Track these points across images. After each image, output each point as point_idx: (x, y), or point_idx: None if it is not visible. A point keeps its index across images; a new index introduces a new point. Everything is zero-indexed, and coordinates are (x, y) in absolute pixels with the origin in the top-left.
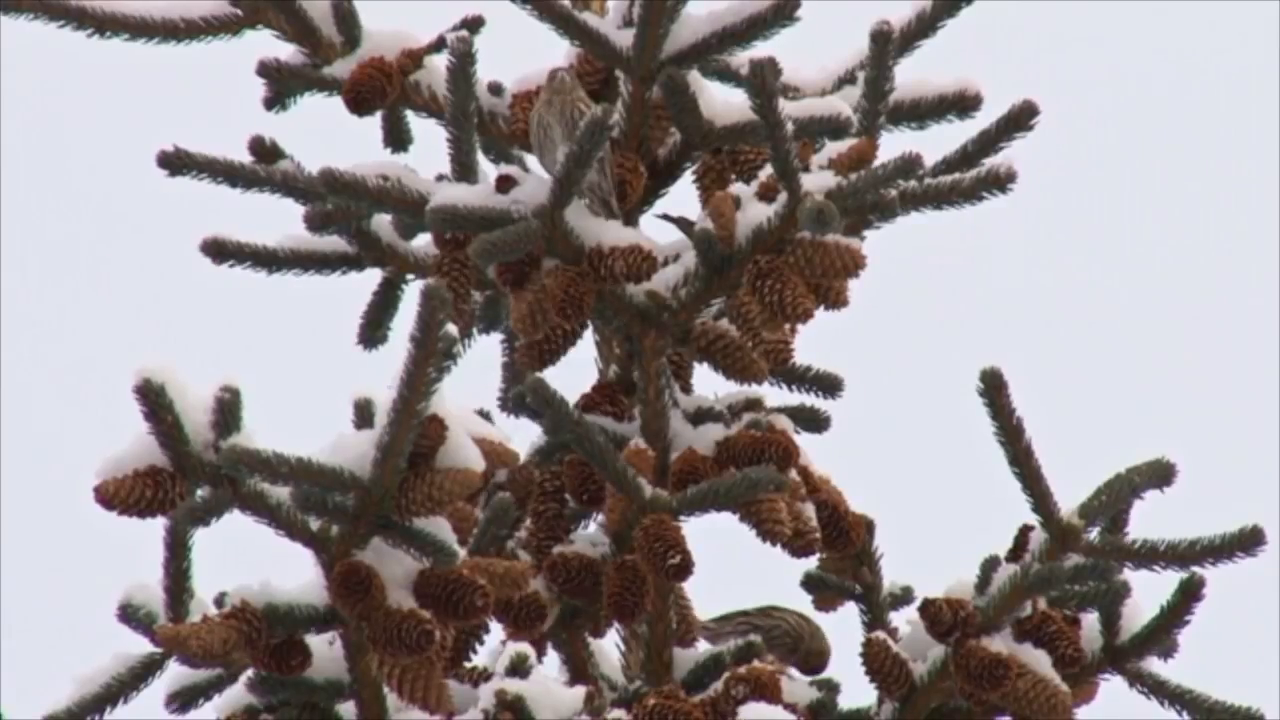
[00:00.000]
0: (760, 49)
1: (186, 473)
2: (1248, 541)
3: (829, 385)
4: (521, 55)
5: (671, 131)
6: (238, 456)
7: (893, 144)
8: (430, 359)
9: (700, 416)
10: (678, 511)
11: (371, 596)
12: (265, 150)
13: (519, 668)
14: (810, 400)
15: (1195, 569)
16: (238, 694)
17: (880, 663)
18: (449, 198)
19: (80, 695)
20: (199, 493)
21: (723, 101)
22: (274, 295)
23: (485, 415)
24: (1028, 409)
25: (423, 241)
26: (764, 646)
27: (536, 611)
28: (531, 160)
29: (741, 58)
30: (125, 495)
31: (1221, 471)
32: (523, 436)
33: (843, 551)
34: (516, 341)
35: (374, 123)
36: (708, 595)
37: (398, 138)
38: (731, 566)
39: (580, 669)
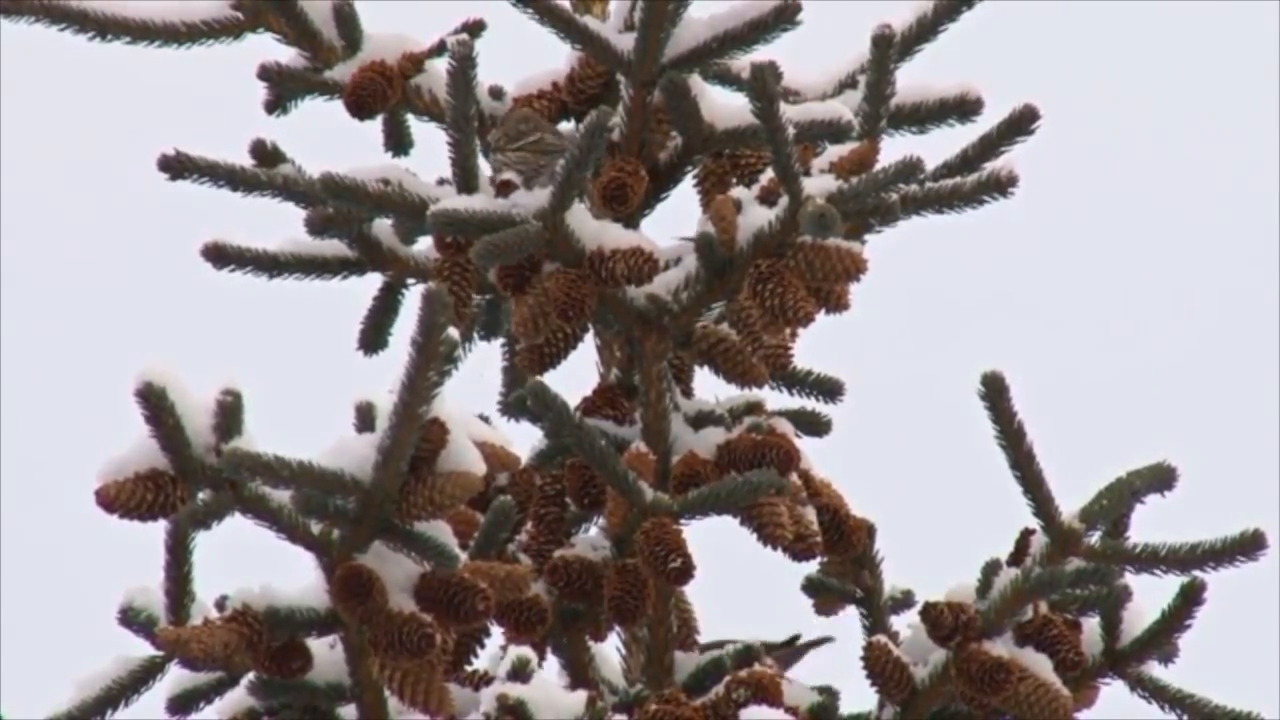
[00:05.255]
0: (761, 53)
1: (188, 476)
2: (1248, 545)
3: (830, 389)
4: (523, 59)
5: (672, 135)
6: (239, 460)
7: (894, 148)
8: (432, 363)
9: (701, 420)
10: (679, 515)
11: (373, 600)
12: (266, 154)
13: (520, 671)
14: (811, 404)
15: (1196, 573)
16: (239, 697)
17: (881, 666)
18: (451, 204)
19: (81, 698)
20: (200, 496)
21: (723, 105)
22: (275, 299)
23: (485, 419)
24: (1029, 413)
25: (424, 246)
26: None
27: (537, 615)
28: None
29: (742, 61)
30: (126, 498)
31: (1222, 475)
32: (523, 440)
33: (844, 555)
34: (517, 345)
35: (375, 126)
36: (709, 599)
37: (399, 141)
38: (732, 570)
39: (581, 673)
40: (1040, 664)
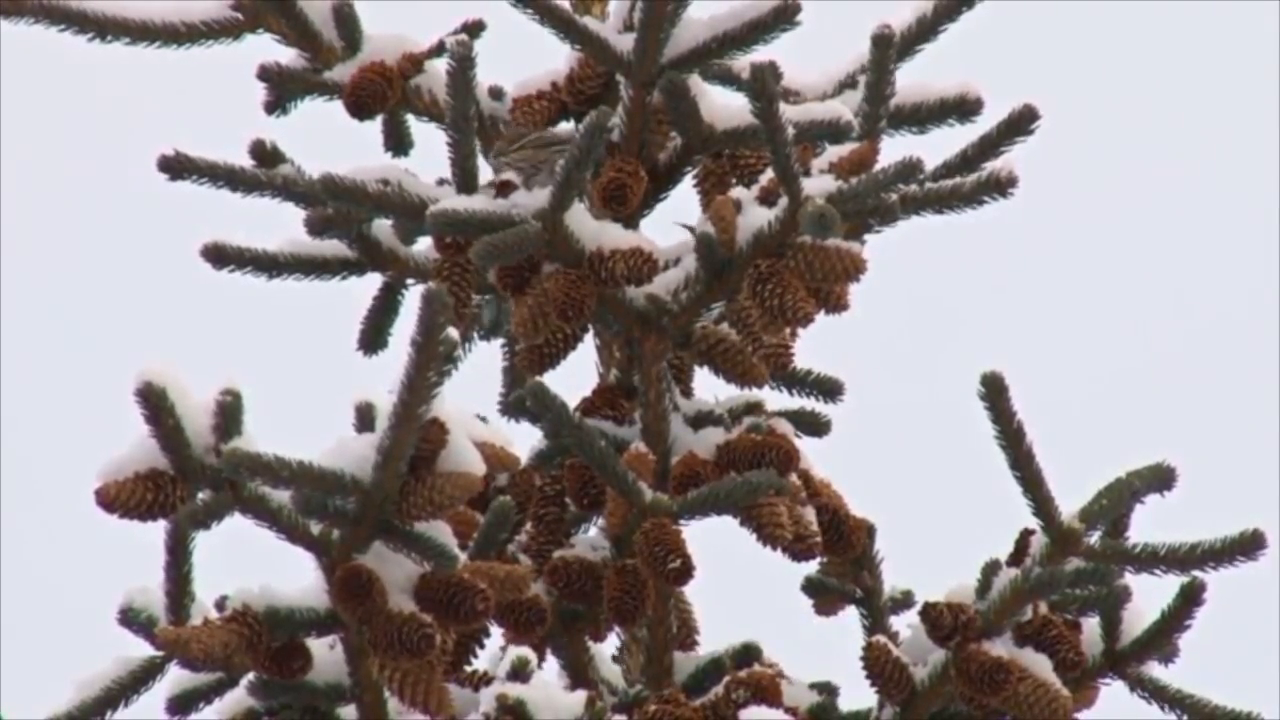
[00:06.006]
0: (761, 53)
1: (188, 476)
2: (1248, 545)
3: (829, 389)
4: (522, 59)
5: (672, 136)
6: (239, 460)
7: (893, 148)
8: (431, 363)
9: (701, 420)
10: (678, 515)
11: (372, 600)
12: (266, 154)
13: (520, 672)
14: (811, 404)
15: (1196, 573)
16: (238, 698)
17: (881, 666)
18: (450, 205)
19: (81, 698)
20: (200, 496)
21: (723, 105)
22: (275, 299)
23: (485, 419)
24: (1029, 413)
25: (423, 246)
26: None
27: (537, 615)
28: None
29: (742, 62)
30: (126, 498)
31: (1222, 475)
32: (523, 440)
33: (843, 555)
34: (517, 346)
35: (375, 126)
36: (709, 599)
37: (398, 142)
38: (732, 571)
39: (581, 673)
40: (1040, 664)
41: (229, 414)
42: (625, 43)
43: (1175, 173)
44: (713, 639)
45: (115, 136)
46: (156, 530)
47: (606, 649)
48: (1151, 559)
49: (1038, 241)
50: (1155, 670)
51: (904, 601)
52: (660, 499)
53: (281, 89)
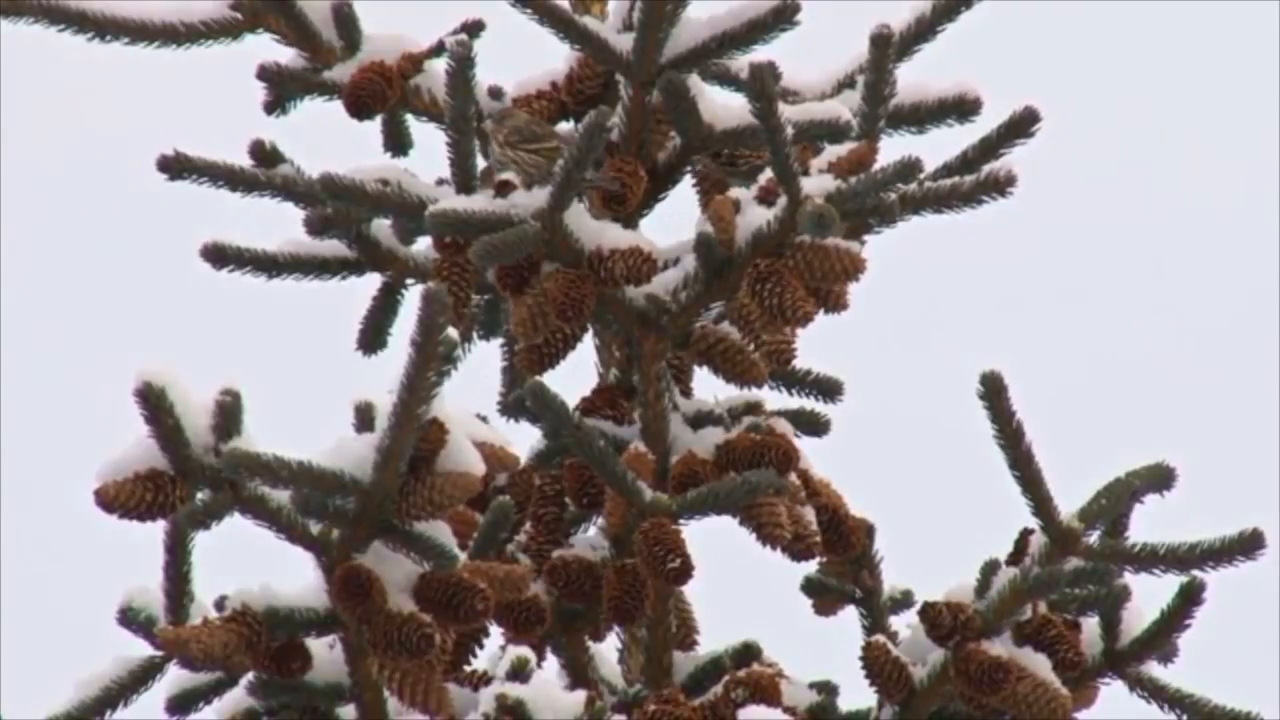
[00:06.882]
0: (760, 53)
1: (187, 476)
2: (1248, 545)
3: (829, 389)
4: (522, 59)
5: (671, 135)
6: (239, 460)
7: (892, 148)
8: (431, 362)
9: (700, 420)
10: (678, 515)
11: (372, 600)
12: (265, 154)
13: (519, 672)
14: (810, 404)
15: (1195, 573)
16: (238, 697)
17: (880, 666)
18: (449, 205)
19: (81, 698)
20: (199, 496)
21: (723, 105)
22: (275, 299)
23: (483, 419)
24: (1028, 412)
25: (423, 246)
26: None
27: (537, 615)
28: None
29: (741, 61)
30: (126, 498)
31: (1222, 475)
32: (523, 440)
33: (843, 555)
34: (516, 345)
35: (374, 126)
36: (709, 599)
37: (398, 141)
38: (732, 570)
39: (581, 673)
40: (1039, 664)
41: (229, 414)
42: (625, 42)
43: (1175, 172)
44: (713, 639)
45: (115, 136)
46: (156, 530)
47: (607, 649)
48: (1151, 559)
49: (1037, 241)
50: (1155, 670)
51: (904, 601)
52: (660, 499)
53: (281, 89)
